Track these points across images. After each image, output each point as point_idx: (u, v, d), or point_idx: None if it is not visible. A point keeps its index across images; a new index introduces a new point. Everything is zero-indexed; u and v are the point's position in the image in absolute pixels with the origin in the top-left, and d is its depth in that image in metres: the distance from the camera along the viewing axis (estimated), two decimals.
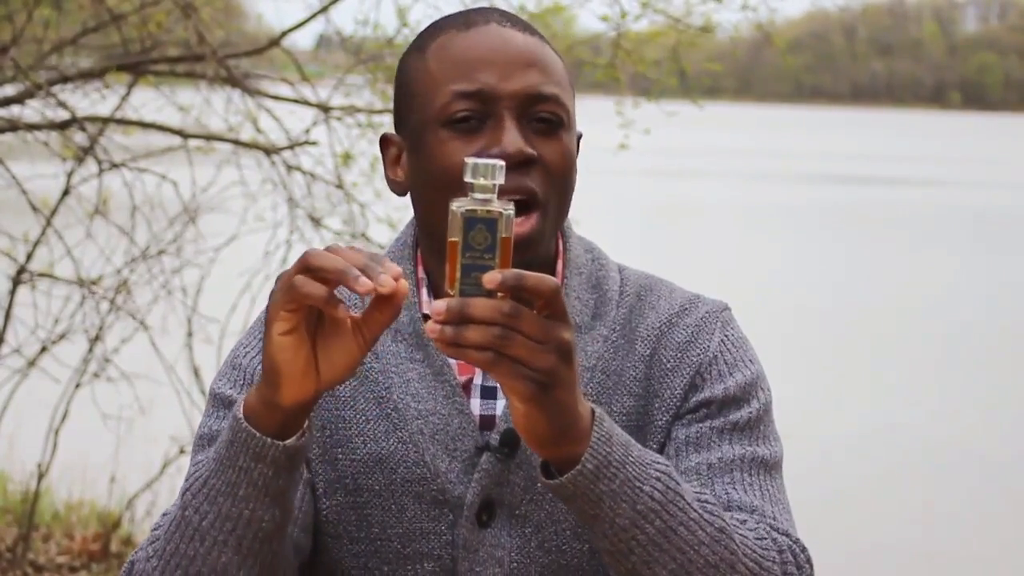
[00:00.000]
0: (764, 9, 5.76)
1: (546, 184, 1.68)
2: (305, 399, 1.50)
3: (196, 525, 1.54)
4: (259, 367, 1.72)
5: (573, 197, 1.75)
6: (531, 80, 1.68)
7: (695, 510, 1.54)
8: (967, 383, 12.02)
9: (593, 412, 1.50)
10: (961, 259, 20.58)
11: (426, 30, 1.76)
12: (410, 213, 1.80)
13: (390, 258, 1.78)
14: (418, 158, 1.71)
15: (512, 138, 1.65)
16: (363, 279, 1.43)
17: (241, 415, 1.51)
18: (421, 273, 1.77)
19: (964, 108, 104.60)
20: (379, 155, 6.28)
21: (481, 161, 1.42)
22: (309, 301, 1.45)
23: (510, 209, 1.41)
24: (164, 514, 1.61)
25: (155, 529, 1.61)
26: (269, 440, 1.50)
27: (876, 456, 9.50)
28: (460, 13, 1.76)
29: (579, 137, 1.79)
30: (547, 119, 1.69)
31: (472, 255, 1.40)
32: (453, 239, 1.41)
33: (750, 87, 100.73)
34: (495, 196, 1.42)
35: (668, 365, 1.74)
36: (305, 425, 1.53)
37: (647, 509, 1.52)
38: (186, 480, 1.57)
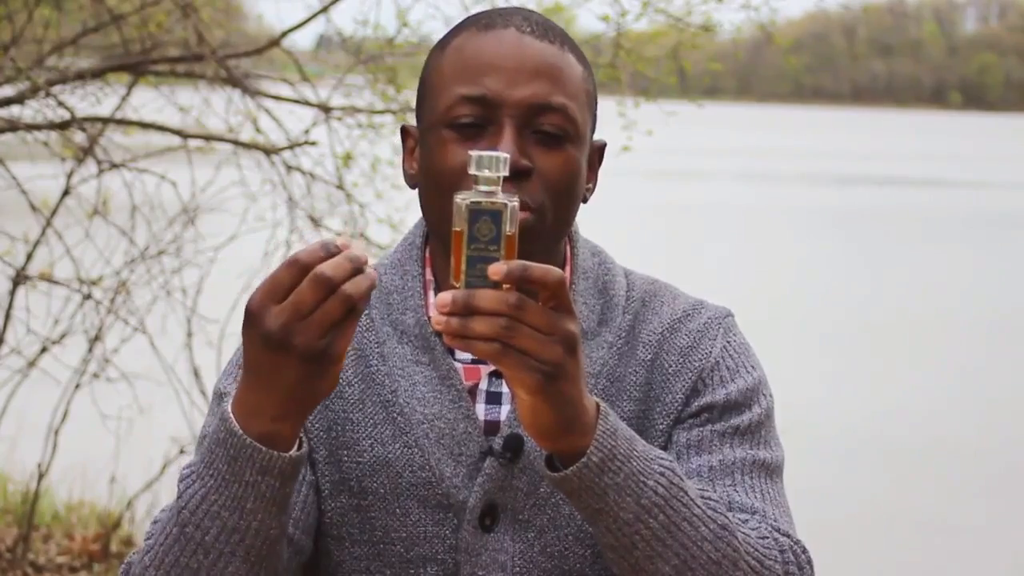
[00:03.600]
0: (765, 9, 5.75)
1: (541, 196, 1.65)
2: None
3: (199, 540, 1.52)
4: None
5: (578, 209, 1.73)
6: (538, 89, 1.66)
7: (699, 506, 1.55)
8: (967, 382, 12.02)
9: (598, 406, 1.50)
10: (961, 259, 20.58)
11: (455, 26, 1.75)
12: (412, 214, 1.80)
13: (396, 259, 1.79)
14: (424, 154, 1.72)
15: (506, 148, 1.63)
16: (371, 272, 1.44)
17: (238, 429, 1.48)
18: (429, 275, 1.77)
19: (964, 108, 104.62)
20: (379, 156, 6.22)
21: (486, 153, 1.42)
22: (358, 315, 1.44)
23: (515, 201, 1.42)
24: (155, 521, 1.59)
25: (148, 539, 1.58)
26: (276, 453, 1.48)
27: (879, 456, 9.50)
28: (486, 12, 1.74)
29: (602, 147, 1.77)
30: (549, 132, 1.66)
31: (477, 247, 1.40)
32: (458, 231, 1.41)
33: (750, 87, 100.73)
34: (500, 188, 1.42)
35: (670, 370, 1.74)
36: (302, 431, 1.52)
37: (651, 504, 1.52)
38: (180, 497, 1.54)
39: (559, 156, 1.66)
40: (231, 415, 1.49)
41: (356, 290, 1.42)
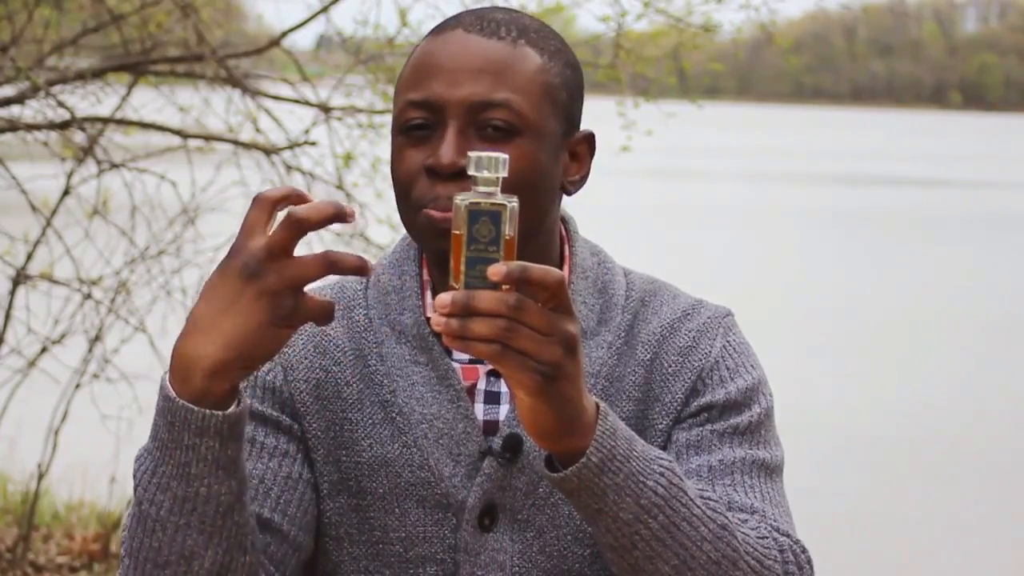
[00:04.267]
0: (765, 10, 5.75)
1: None
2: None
3: (155, 516, 1.52)
4: (271, 379, 1.73)
5: (550, 202, 1.71)
6: (478, 88, 1.66)
7: (698, 506, 1.55)
8: (966, 382, 12.02)
9: (598, 406, 1.50)
10: (961, 259, 20.58)
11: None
12: None
13: (394, 259, 1.79)
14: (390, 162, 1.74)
15: (446, 149, 1.64)
16: (349, 208, 1.45)
17: (173, 394, 1.49)
18: (426, 275, 1.77)
19: (964, 108, 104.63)
20: (379, 156, 6.23)
21: (484, 154, 1.42)
22: (347, 272, 1.44)
23: (514, 201, 1.41)
24: (126, 514, 1.60)
25: (123, 531, 1.59)
26: (208, 412, 1.48)
27: (878, 455, 9.50)
28: (447, 19, 1.75)
29: (588, 137, 1.76)
30: (498, 127, 1.66)
31: (476, 248, 1.40)
32: (457, 232, 1.40)
33: (750, 87, 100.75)
34: (499, 189, 1.42)
35: (670, 370, 1.74)
36: (240, 390, 1.52)
37: (651, 504, 1.52)
38: (134, 476, 1.55)
39: (509, 150, 1.64)
40: (167, 382, 1.49)
41: (338, 262, 1.43)
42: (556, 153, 1.71)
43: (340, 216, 1.44)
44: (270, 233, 1.45)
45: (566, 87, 1.72)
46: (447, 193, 1.62)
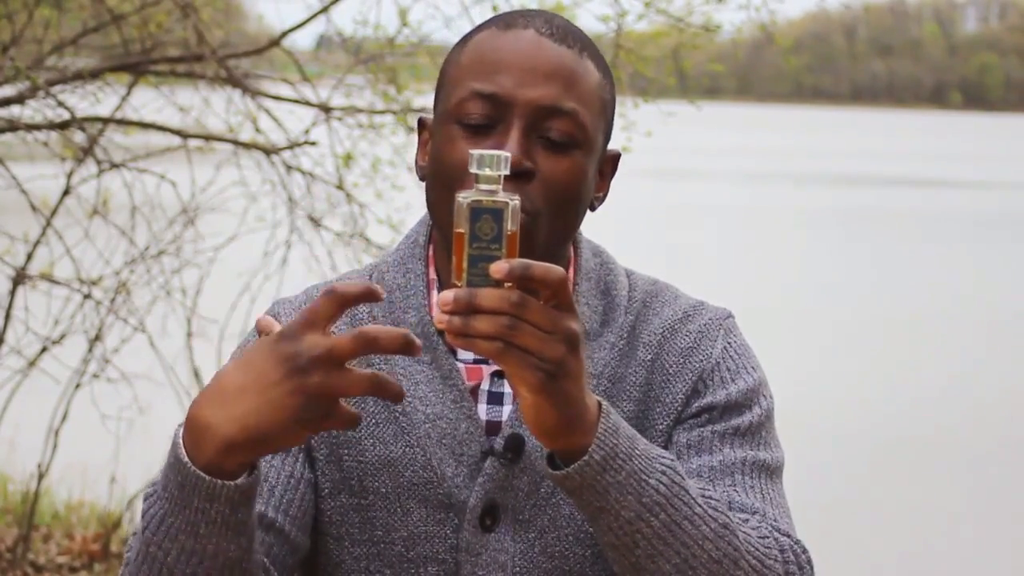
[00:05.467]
0: (765, 10, 5.75)
1: (541, 200, 1.64)
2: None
3: (162, 560, 1.50)
4: None
5: (583, 217, 1.72)
6: (549, 92, 1.65)
7: (700, 505, 1.55)
8: (966, 381, 12.02)
9: (600, 404, 1.50)
10: (961, 259, 20.58)
11: (480, 24, 1.76)
12: (412, 215, 1.80)
13: (399, 257, 1.79)
14: (434, 147, 1.72)
15: (512, 146, 1.63)
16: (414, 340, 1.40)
17: (185, 459, 1.44)
18: (432, 274, 1.77)
19: (964, 108, 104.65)
20: (379, 156, 6.21)
21: (487, 152, 1.42)
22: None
23: (516, 199, 1.41)
24: (133, 534, 1.57)
25: (128, 551, 1.57)
26: (220, 483, 1.44)
27: (878, 455, 9.50)
28: (511, 12, 1.74)
29: (616, 157, 1.77)
30: (557, 136, 1.66)
31: (479, 246, 1.40)
32: (459, 230, 1.40)
33: (750, 87, 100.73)
34: (501, 187, 1.42)
35: (671, 371, 1.74)
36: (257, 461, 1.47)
37: (652, 502, 1.52)
38: (143, 516, 1.52)
39: (564, 162, 1.66)
40: (180, 440, 1.45)
41: (383, 384, 1.39)
42: (596, 169, 1.72)
43: (408, 347, 1.38)
44: (334, 336, 1.38)
45: (612, 105, 1.74)
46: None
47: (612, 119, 1.74)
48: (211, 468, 1.43)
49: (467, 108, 1.67)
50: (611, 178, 1.77)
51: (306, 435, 1.41)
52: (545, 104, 1.65)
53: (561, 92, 1.66)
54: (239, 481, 1.45)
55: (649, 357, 1.75)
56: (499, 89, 1.65)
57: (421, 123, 1.78)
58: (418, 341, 1.38)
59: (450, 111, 1.68)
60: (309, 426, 1.40)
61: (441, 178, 1.68)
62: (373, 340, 1.37)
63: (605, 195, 1.77)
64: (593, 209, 1.75)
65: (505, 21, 1.71)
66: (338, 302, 1.38)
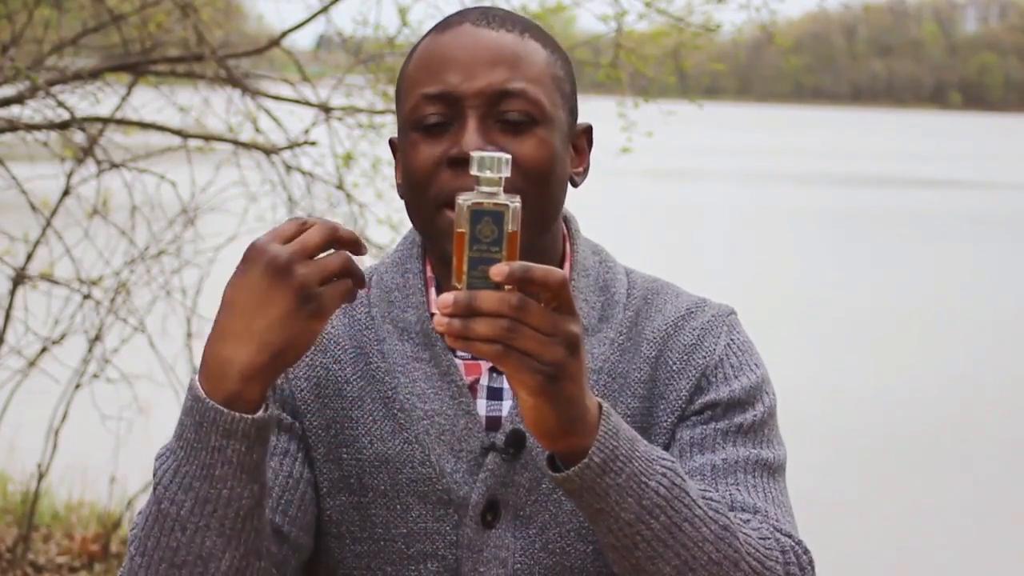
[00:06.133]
0: (765, 10, 5.75)
1: (519, 182, 1.64)
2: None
3: (175, 515, 1.53)
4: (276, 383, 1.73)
5: (563, 192, 1.73)
6: (495, 78, 1.66)
7: (700, 507, 1.55)
8: (965, 381, 12.02)
9: (600, 406, 1.51)
10: (961, 259, 20.58)
11: (423, 35, 1.77)
12: None
13: (397, 257, 1.80)
14: (401, 161, 1.73)
15: (470, 138, 1.64)
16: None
17: (203, 395, 1.51)
18: (429, 272, 1.77)
19: (964, 108, 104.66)
20: (380, 156, 6.21)
21: (487, 154, 1.42)
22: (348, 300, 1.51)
23: (516, 202, 1.41)
24: (139, 513, 1.59)
25: (132, 529, 1.59)
26: (238, 415, 1.50)
27: (877, 454, 9.50)
28: (447, 16, 1.76)
29: (587, 130, 1.78)
30: (515, 117, 1.67)
31: (479, 248, 1.40)
32: (460, 230, 1.40)
33: (750, 87, 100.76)
34: (501, 189, 1.42)
35: (674, 368, 1.75)
36: (268, 396, 1.54)
37: (652, 504, 1.52)
38: (155, 475, 1.56)
39: (529, 140, 1.67)
40: (197, 383, 1.52)
41: (353, 264, 1.49)
42: (566, 144, 1.72)
43: (357, 245, 1.51)
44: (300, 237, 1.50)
45: (569, 80, 1.74)
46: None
47: (572, 93, 1.75)
48: (231, 400, 1.50)
49: (420, 112, 1.68)
50: (589, 152, 1.78)
51: (318, 328, 1.49)
52: (495, 89, 1.66)
53: (507, 74, 1.67)
54: (256, 415, 1.50)
55: (653, 353, 1.75)
56: (446, 87, 1.67)
57: (392, 143, 1.79)
58: (366, 245, 1.52)
59: (407, 120, 1.70)
60: (317, 314, 1.48)
61: (414, 188, 1.69)
62: (334, 228, 1.50)
63: (586, 170, 1.78)
64: (576, 185, 1.76)
65: (442, 24, 1.74)
66: (298, 221, 1.51)
